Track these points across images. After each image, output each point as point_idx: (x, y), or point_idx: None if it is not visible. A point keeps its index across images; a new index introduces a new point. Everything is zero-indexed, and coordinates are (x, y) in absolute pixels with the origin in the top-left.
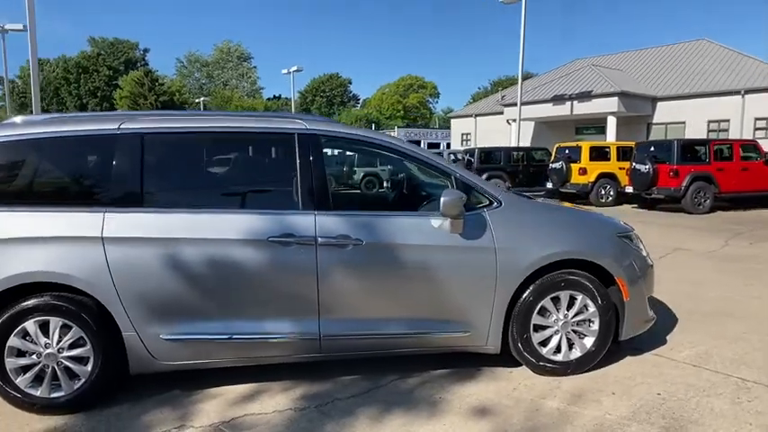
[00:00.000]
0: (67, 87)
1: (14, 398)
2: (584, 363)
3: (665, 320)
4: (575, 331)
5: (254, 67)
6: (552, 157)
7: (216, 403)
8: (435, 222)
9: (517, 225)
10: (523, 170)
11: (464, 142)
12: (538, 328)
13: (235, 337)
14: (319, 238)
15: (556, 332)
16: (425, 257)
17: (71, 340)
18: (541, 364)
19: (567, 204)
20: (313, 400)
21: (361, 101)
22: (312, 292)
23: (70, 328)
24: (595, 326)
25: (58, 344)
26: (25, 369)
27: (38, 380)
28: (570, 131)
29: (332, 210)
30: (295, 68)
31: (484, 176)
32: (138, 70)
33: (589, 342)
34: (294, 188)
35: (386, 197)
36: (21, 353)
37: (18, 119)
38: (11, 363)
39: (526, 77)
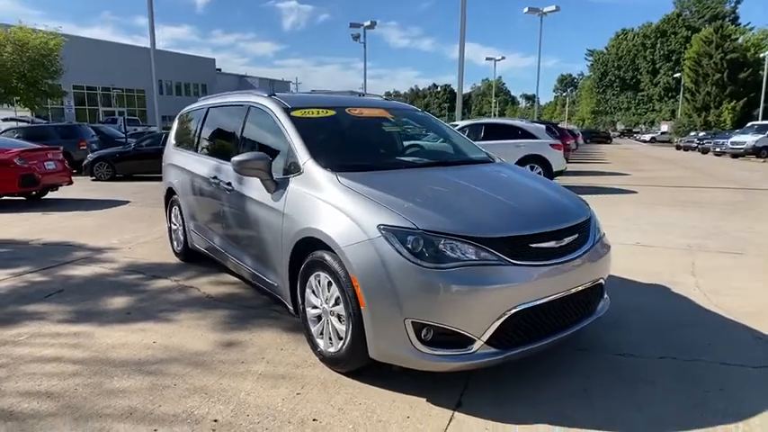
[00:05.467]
0: (643, 53)
1: (174, 247)
2: (332, 361)
3: None
4: (333, 325)
5: None
6: None
7: (206, 279)
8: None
9: (300, 194)
10: None
11: None
12: (314, 305)
13: (207, 238)
14: (221, 182)
15: (322, 314)
16: (256, 210)
17: (178, 220)
18: (311, 338)
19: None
20: (225, 298)
21: None
22: (223, 217)
23: (178, 216)
24: (345, 325)
25: (175, 221)
26: (174, 231)
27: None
28: None
29: None
30: None
31: None
32: (710, 27)
33: (340, 342)
34: (236, 145)
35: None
36: (174, 227)
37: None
38: (173, 224)
39: None
